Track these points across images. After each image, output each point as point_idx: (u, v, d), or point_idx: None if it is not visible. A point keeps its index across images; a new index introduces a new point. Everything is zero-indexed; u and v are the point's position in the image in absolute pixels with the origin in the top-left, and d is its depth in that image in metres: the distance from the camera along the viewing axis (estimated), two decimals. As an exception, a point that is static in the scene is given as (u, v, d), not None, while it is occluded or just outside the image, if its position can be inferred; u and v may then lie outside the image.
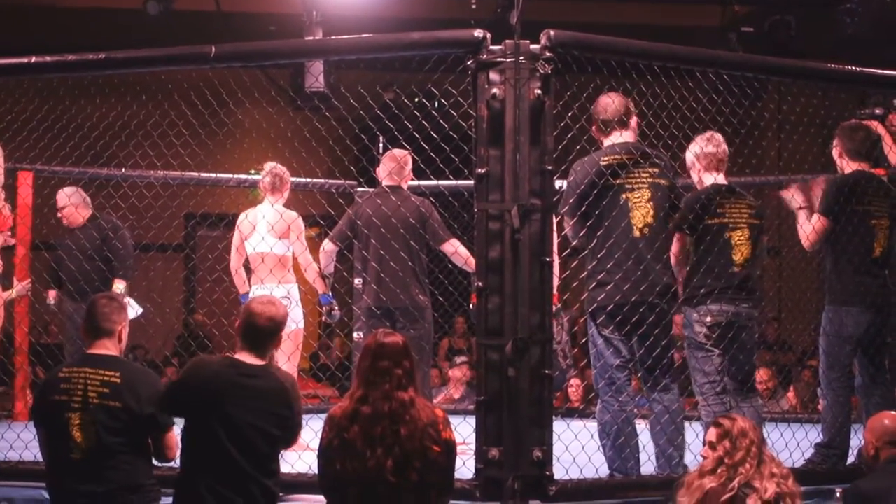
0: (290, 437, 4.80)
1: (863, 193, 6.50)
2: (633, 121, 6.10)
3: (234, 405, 4.61)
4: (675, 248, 6.18)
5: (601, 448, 5.92)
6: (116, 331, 5.03)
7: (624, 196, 5.91)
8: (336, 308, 7.67)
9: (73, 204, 8.70)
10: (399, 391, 4.38)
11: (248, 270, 7.68)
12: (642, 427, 6.08)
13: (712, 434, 4.79)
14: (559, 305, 6.96)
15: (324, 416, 4.63)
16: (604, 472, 5.83)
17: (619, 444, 5.81)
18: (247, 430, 4.60)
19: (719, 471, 4.61)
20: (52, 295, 8.90)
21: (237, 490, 4.58)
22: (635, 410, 6.02)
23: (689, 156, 6.41)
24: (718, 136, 6.41)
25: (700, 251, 6.18)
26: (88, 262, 8.40)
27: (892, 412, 5.66)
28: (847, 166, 6.68)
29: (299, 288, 7.68)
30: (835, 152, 6.73)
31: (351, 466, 4.31)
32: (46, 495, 5.04)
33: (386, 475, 4.26)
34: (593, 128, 6.12)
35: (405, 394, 4.38)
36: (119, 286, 8.59)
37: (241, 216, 7.57)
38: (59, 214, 8.78)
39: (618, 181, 5.90)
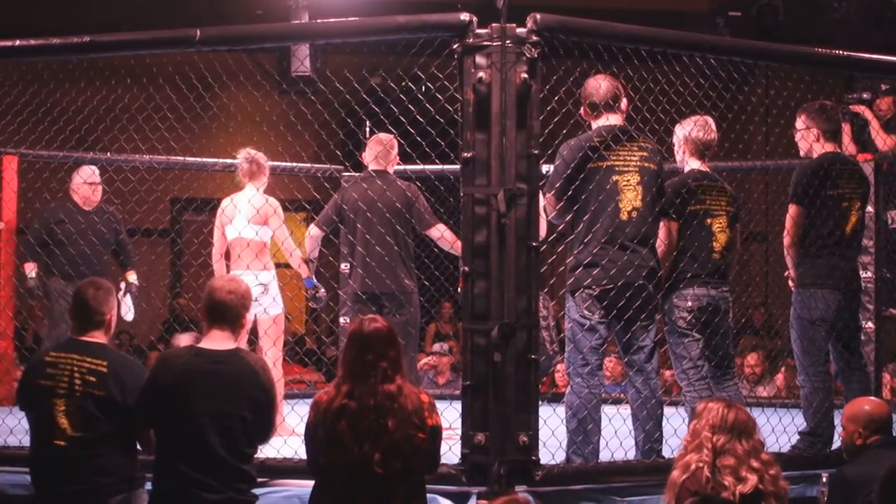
0: (265, 423, 4.73)
1: (836, 176, 6.49)
2: (623, 103, 6.08)
3: (206, 396, 4.57)
4: (662, 235, 6.17)
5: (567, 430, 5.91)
6: (106, 321, 5.01)
7: (614, 178, 5.89)
8: (321, 291, 7.63)
9: (99, 183, 8.71)
10: (385, 384, 4.34)
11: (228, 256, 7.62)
12: (628, 413, 6.08)
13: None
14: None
15: (310, 400, 4.60)
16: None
17: (582, 428, 5.78)
18: (221, 419, 4.57)
19: (687, 458, 4.46)
20: (31, 267, 8.64)
21: (214, 477, 4.55)
22: (605, 395, 6.00)
23: (679, 135, 6.40)
24: (711, 124, 6.40)
25: (684, 237, 6.19)
26: (102, 247, 8.43)
27: (871, 398, 5.66)
28: (820, 149, 6.64)
29: (276, 273, 7.60)
30: (809, 135, 6.66)
31: (338, 459, 4.30)
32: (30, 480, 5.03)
33: (373, 467, 4.25)
34: (581, 110, 6.11)
35: (391, 385, 4.35)
36: (133, 277, 8.84)
37: (226, 201, 7.51)
38: (78, 192, 8.69)
39: (607, 163, 5.89)
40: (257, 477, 5.01)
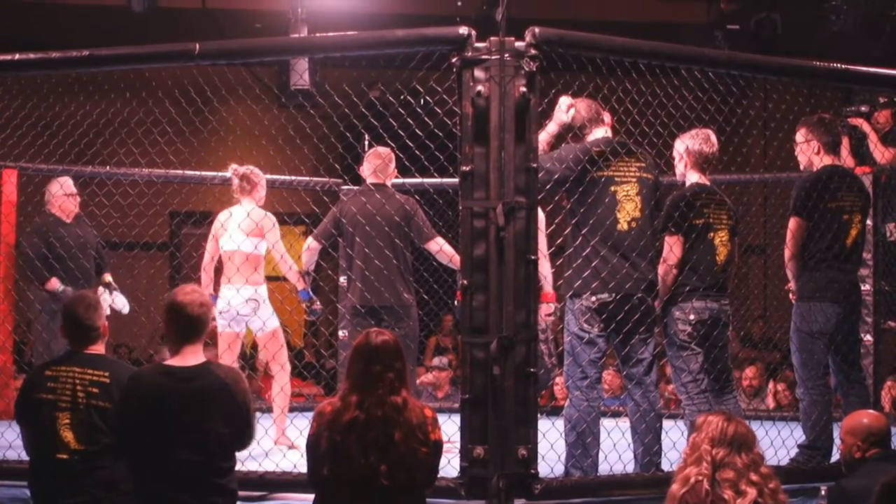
0: (241, 433, 4.67)
1: (835, 189, 6.49)
2: (606, 116, 6.11)
3: (178, 414, 4.52)
4: (665, 251, 6.17)
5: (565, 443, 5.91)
6: (101, 333, 4.99)
7: (613, 189, 5.91)
8: (317, 303, 7.62)
9: (76, 193, 8.72)
10: (392, 395, 4.34)
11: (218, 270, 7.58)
12: (626, 426, 6.08)
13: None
14: (558, 305, 6.93)
15: (309, 414, 4.59)
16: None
17: (581, 441, 5.80)
18: (194, 436, 4.52)
19: (686, 471, 4.45)
20: (56, 282, 8.49)
21: (189, 493, 4.50)
22: (603, 408, 5.99)
23: (680, 147, 6.41)
24: (713, 137, 6.40)
25: (685, 250, 6.19)
26: (88, 257, 8.43)
27: (870, 411, 5.65)
28: (820, 161, 6.64)
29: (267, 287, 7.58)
30: (809, 148, 6.66)
31: (342, 471, 4.28)
32: (29, 494, 5.01)
33: (379, 479, 4.24)
34: (570, 137, 6.11)
35: (398, 397, 4.35)
36: (109, 277, 8.76)
37: (224, 213, 7.49)
38: (58, 205, 8.68)
39: (606, 174, 5.90)
40: (257, 490, 5.01)
